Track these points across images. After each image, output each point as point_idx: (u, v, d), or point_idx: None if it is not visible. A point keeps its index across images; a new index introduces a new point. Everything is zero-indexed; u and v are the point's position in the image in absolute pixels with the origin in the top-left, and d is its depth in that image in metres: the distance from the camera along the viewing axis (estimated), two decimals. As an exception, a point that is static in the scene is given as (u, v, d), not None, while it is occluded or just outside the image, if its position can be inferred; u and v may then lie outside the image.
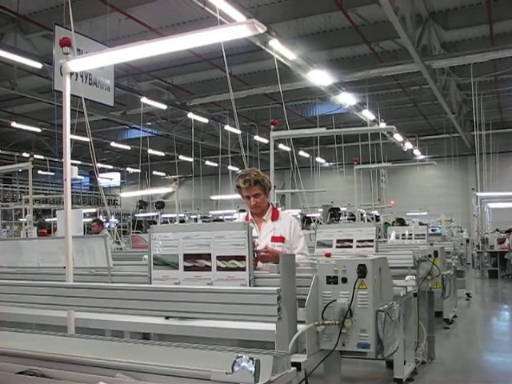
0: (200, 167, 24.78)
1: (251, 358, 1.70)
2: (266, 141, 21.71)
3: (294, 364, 2.22)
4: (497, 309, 11.74)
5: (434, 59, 14.39)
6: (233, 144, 22.00)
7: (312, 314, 2.72)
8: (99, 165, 24.82)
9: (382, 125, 18.43)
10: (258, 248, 3.69)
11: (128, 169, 31.00)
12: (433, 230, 16.86)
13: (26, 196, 12.32)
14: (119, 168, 32.60)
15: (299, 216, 18.13)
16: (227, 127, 20.93)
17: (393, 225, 14.63)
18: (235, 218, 14.92)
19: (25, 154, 19.42)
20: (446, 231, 16.23)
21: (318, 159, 23.86)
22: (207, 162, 27.96)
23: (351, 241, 6.01)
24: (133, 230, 20.83)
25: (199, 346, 2.12)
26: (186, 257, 3.21)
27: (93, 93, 5.71)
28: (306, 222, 16.63)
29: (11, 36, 13.29)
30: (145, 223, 23.25)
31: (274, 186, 7.56)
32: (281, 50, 12.23)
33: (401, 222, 14.88)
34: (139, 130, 20.34)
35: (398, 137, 21.89)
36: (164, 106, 18.31)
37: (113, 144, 26.46)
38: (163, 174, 30.92)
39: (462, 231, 19.33)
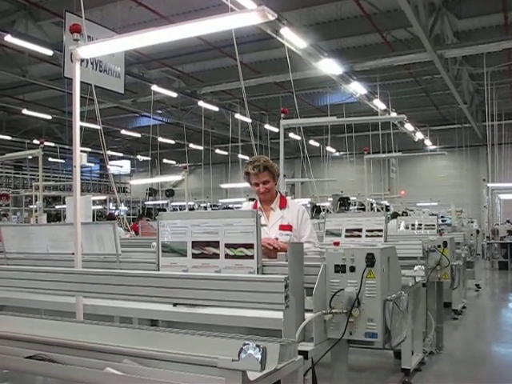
0: (210, 155, 24.81)
1: (258, 346, 1.70)
2: (276, 129, 21.65)
3: (301, 352, 2.22)
4: (506, 300, 11.70)
5: (447, 48, 14.26)
6: (243, 132, 21.96)
7: (320, 302, 2.72)
8: (109, 152, 24.90)
9: (393, 114, 18.28)
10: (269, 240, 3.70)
11: (138, 156, 31.04)
12: (443, 221, 16.81)
13: (37, 183, 12.36)
14: (129, 156, 32.62)
15: (309, 205, 18.10)
16: (237, 115, 20.88)
17: (402, 215, 14.54)
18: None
19: (35, 141, 19.48)
20: (457, 222, 16.17)
21: (329, 148, 23.78)
22: (217, 151, 27.95)
23: (360, 230, 5.96)
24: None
25: (206, 333, 2.13)
26: (195, 244, 3.20)
27: (103, 80, 5.68)
28: (316, 211, 16.60)
29: (22, 23, 13.30)
30: (154, 211, 23.32)
31: (284, 175, 7.55)
32: (292, 39, 12.15)
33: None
34: (149, 117, 20.36)
35: (408, 126, 21.76)
36: (174, 94, 18.28)
37: (123, 132, 26.49)
38: (173, 162, 30.97)
39: (472, 222, 19.26)
